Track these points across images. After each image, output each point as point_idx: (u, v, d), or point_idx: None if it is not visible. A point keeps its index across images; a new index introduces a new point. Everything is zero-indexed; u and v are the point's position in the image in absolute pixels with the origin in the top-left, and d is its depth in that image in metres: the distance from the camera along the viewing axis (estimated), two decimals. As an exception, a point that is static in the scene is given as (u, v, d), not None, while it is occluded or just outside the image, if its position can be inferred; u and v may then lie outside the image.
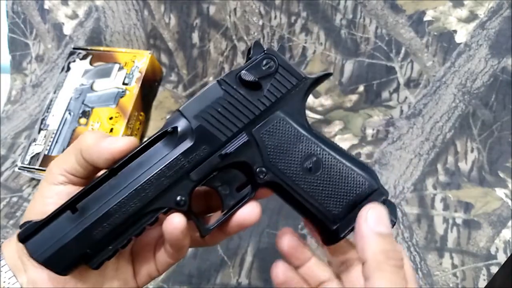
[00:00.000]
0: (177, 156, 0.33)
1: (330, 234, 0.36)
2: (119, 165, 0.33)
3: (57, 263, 0.32)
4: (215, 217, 0.37)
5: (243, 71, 0.35)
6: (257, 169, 0.35)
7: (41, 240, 0.32)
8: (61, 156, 0.34)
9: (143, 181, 0.33)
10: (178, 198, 0.33)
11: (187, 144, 0.33)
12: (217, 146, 0.34)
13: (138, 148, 0.33)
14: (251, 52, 0.36)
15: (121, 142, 0.33)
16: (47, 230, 0.32)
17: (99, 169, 0.34)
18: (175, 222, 0.33)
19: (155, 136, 0.34)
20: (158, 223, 0.35)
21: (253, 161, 0.35)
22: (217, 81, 0.35)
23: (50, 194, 0.33)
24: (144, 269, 0.37)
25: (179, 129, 0.34)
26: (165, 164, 0.33)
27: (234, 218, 0.35)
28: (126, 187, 0.32)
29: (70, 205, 0.32)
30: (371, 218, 0.31)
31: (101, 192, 0.33)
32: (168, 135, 0.34)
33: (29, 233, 0.32)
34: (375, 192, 0.35)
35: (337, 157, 0.36)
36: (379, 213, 0.32)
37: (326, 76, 0.38)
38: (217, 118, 0.34)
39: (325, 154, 0.35)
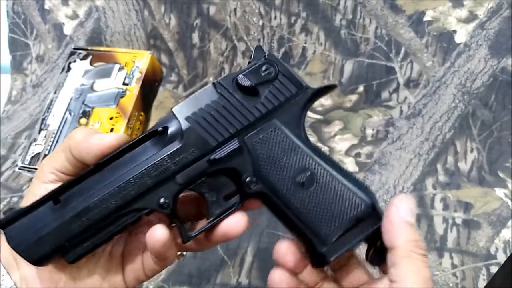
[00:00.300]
0: (163, 157, 0.32)
1: (319, 256, 0.33)
2: (105, 160, 0.32)
3: (32, 252, 0.31)
4: (201, 224, 0.36)
5: (240, 76, 0.34)
6: (247, 178, 0.33)
7: (21, 228, 0.31)
8: (52, 154, 0.34)
9: (126, 179, 0.32)
10: (162, 200, 0.32)
11: (175, 146, 0.33)
12: (206, 150, 0.33)
13: (127, 145, 0.33)
14: (252, 57, 0.35)
15: (109, 138, 0.32)
16: (28, 218, 0.32)
17: (89, 167, 0.34)
18: (158, 235, 0.32)
19: (145, 134, 0.33)
20: (149, 227, 0.34)
21: (243, 169, 0.33)
22: (213, 83, 0.34)
23: (41, 192, 0.33)
24: (133, 273, 0.37)
25: (169, 129, 0.33)
26: (150, 163, 0.32)
27: (220, 228, 0.34)
28: (109, 183, 0.32)
29: (54, 196, 0.32)
30: (403, 207, 0.31)
31: (85, 186, 0.32)
32: (158, 134, 0.33)
33: (10, 220, 0.31)
34: (371, 216, 0.33)
35: (333, 173, 0.33)
36: (410, 203, 0.32)
37: (329, 88, 0.36)
38: (209, 121, 0.33)
39: (320, 170, 0.33)
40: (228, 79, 0.34)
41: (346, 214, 0.33)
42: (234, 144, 0.33)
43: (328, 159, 0.34)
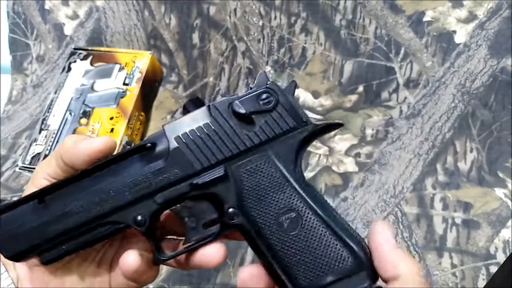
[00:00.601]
0: (146, 174, 0.32)
1: None
2: (92, 167, 0.32)
3: (9, 247, 0.32)
4: (181, 246, 0.35)
5: (236, 102, 0.32)
6: (229, 209, 0.32)
7: (3, 222, 0.32)
8: (45, 160, 0.35)
9: (106, 190, 0.32)
10: (139, 217, 0.32)
11: (159, 164, 0.32)
12: (190, 173, 0.32)
13: (115, 156, 0.33)
14: (255, 82, 0.33)
15: (97, 142, 0.32)
16: (11, 213, 0.32)
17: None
18: (130, 261, 0.32)
19: (134, 147, 0.33)
20: (138, 238, 0.35)
21: (226, 198, 0.32)
22: (208, 106, 0.33)
23: None
24: (117, 283, 0.37)
25: (157, 146, 0.33)
26: (132, 178, 0.32)
27: (196, 257, 0.33)
28: (91, 191, 0.32)
29: (39, 195, 0.32)
30: (388, 233, 0.30)
31: (69, 191, 0.32)
32: (146, 150, 0.33)
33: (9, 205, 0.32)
34: (359, 274, 0.29)
35: (322, 219, 0.31)
36: (391, 229, 0.30)
37: (335, 126, 0.33)
38: (197, 144, 0.32)
39: (308, 213, 0.31)
40: (224, 103, 0.33)
41: (330, 267, 0.30)
42: (219, 171, 0.32)
43: (319, 202, 0.32)
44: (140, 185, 0.32)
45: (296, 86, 0.34)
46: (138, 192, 0.32)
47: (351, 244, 0.30)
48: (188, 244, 0.33)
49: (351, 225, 0.34)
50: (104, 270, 0.37)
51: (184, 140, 0.32)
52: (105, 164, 0.32)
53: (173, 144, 0.32)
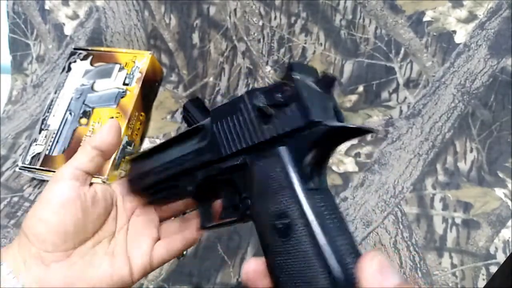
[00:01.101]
0: (192, 151, 0.36)
1: None
2: (167, 141, 0.39)
3: (133, 183, 0.42)
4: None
5: (256, 92, 0.31)
6: (243, 197, 0.32)
7: (136, 165, 0.42)
8: (69, 161, 0.39)
9: (171, 160, 0.38)
10: (189, 188, 0.37)
11: (201, 145, 0.35)
12: (217, 158, 0.34)
13: (180, 134, 0.38)
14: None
15: (105, 130, 0.39)
16: (141, 161, 0.42)
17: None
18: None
19: (192, 128, 0.37)
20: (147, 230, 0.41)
21: (242, 187, 0.33)
22: (247, 92, 0.32)
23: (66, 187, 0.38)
24: (137, 268, 0.39)
25: (203, 128, 0.36)
26: (183, 154, 0.37)
27: None
28: (170, 159, 0.39)
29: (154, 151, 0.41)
30: (377, 274, 0.25)
31: (159, 156, 0.40)
32: (201, 130, 0.36)
33: (136, 157, 0.43)
34: None
35: (314, 232, 0.27)
36: (382, 263, 0.25)
37: (359, 131, 0.30)
38: (227, 132, 0.33)
39: (300, 223, 0.28)
40: (255, 92, 0.32)
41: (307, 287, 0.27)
42: (239, 160, 0.33)
43: (318, 213, 0.28)
44: (188, 160, 0.37)
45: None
46: (186, 165, 0.37)
47: (335, 267, 0.26)
48: (219, 222, 0.37)
49: (351, 226, 0.34)
50: (121, 259, 0.39)
51: (220, 126, 0.34)
52: (175, 139, 0.39)
53: (213, 128, 0.35)
